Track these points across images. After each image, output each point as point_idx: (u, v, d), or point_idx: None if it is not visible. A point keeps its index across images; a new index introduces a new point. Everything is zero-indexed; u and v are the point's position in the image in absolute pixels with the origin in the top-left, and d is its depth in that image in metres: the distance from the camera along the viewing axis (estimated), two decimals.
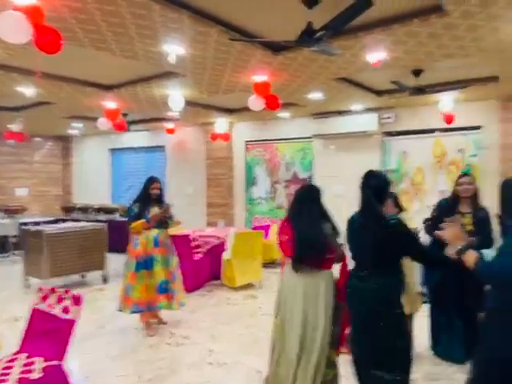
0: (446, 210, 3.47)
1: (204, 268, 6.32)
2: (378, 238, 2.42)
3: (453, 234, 2.04)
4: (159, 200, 4.30)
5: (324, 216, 2.83)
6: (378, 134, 7.54)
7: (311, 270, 2.76)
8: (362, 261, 2.55)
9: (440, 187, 7.03)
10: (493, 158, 6.57)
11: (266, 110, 7.34)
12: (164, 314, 4.60)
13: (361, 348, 2.52)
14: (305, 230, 2.77)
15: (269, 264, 7.50)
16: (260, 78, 4.99)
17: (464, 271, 2.37)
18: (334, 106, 7.23)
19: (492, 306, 1.87)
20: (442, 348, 3.51)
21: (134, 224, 4.18)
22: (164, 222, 4.29)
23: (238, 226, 8.59)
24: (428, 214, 3.80)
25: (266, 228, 8.09)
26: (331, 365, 2.77)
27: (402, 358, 2.45)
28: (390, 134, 7.58)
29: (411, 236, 2.47)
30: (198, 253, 6.48)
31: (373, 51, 4.14)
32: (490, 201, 6.52)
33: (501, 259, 1.76)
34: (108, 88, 5.83)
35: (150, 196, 4.25)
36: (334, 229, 2.84)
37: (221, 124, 8.35)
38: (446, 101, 6.25)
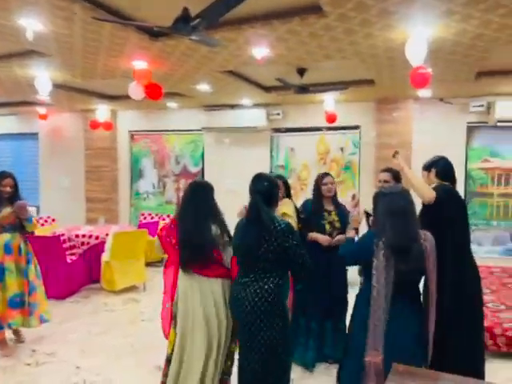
0: (314, 209, 3.53)
1: (79, 271, 5.72)
2: (264, 242, 2.33)
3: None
4: (13, 199, 3.66)
5: (214, 216, 2.66)
6: (267, 130, 7.59)
7: (200, 276, 2.63)
8: (248, 266, 2.44)
9: None
10: (369, 156, 7.03)
11: (151, 99, 6.95)
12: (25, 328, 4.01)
13: (247, 361, 2.39)
14: (188, 232, 2.60)
15: (156, 263, 7.12)
16: (139, 64, 4.59)
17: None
18: (223, 99, 7.07)
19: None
20: (298, 352, 3.43)
21: None
22: (18, 224, 3.68)
23: (122, 224, 8.02)
24: None
25: (154, 225, 7.68)
26: (230, 356, 2.74)
27: (284, 373, 2.40)
28: (278, 130, 7.68)
29: (297, 242, 2.38)
30: (72, 254, 5.86)
31: (257, 46, 4.03)
32: (366, 196, 7.06)
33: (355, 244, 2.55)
34: None
35: (1, 194, 3.60)
36: (223, 230, 2.69)
37: (102, 111, 7.66)
38: (329, 100, 6.48)
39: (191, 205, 2.67)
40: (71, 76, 5.42)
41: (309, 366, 3.45)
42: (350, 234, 2.67)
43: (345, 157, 7.29)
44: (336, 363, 3.49)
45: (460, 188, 6.98)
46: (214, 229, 2.63)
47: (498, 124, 6.43)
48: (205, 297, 2.64)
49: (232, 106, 7.51)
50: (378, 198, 2.36)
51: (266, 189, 2.44)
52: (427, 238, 2.24)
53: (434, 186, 2.77)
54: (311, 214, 3.54)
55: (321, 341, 3.48)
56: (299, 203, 3.83)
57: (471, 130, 6.76)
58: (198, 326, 2.62)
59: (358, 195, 7.01)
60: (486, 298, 4.60)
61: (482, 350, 2.79)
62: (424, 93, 6.32)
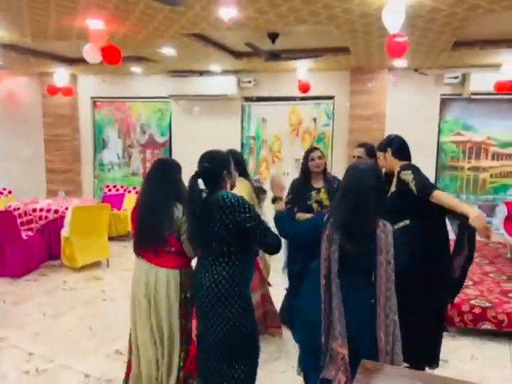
0: (300, 188, 3.33)
1: (37, 247, 5.41)
2: (215, 221, 2.13)
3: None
4: None
5: (178, 197, 2.43)
6: (238, 99, 7.26)
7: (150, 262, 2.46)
8: (205, 248, 2.25)
9: (295, 155, 7.15)
10: (343, 127, 6.85)
11: (108, 64, 6.47)
12: None
13: (206, 342, 2.23)
14: (144, 214, 2.45)
15: (122, 237, 6.86)
16: (95, 23, 4.15)
17: None
18: (191, 65, 6.66)
19: None
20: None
21: None
22: None
23: (85, 197, 7.65)
24: (285, 182, 3.59)
25: (119, 197, 7.36)
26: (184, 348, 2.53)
27: (249, 350, 2.24)
28: (250, 99, 7.36)
29: (255, 218, 2.14)
30: (29, 230, 5.52)
31: (224, 6, 3.68)
32: (340, 168, 6.94)
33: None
34: None
35: None
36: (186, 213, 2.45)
37: (60, 76, 7.09)
38: (302, 69, 6.20)
39: (151, 184, 2.49)
40: (20, 36, 4.91)
41: None
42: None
43: (318, 128, 7.09)
44: None
45: (432, 161, 7.05)
46: (177, 211, 2.42)
47: (472, 97, 6.34)
48: (150, 288, 2.43)
49: (201, 73, 7.11)
50: (347, 172, 2.14)
51: (206, 171, 2.23)
52: (386, 230, 1.99)
53: (403, 166, 2.58)
54: (297, 194, 3.34)
55: None
56: (269, 177, 3.61)
57: (445, 102, 6.65)
58: (142, 318, 2.47)
59: (331, 169, 6.88)
60: None
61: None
62: (399, 63, 6.12)
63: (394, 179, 2.61)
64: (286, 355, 3.30)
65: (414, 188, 2.42)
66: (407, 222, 2.47)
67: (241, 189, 3.10)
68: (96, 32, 4.18)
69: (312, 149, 3.38)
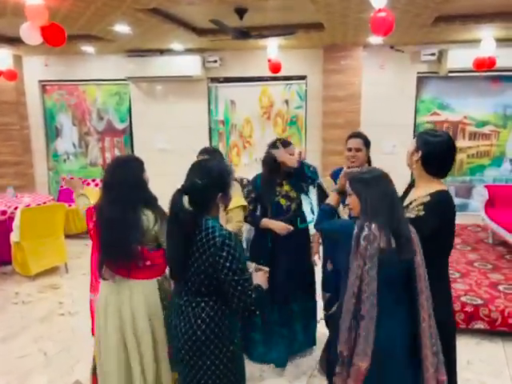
0: (267, 185, 2.95)
1: None
2: (192, 254, 1.69)
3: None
4: None
5: (145, 202, 2.11)
6: (203, 80, 6.71)
7: (122, 279, 2.13)
8: (179, 282, 1.82)
9: (267, 140, 6.70)
10: (316, 109, 6.46)
11: (66, 42, 5.77)
12: None
13: None
14: (105, 233, 2.09)
15: (81, 235, 6.30)
16: None
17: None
18: (149, 44, 6.03)
19: None
20: (259, 352, 3.04)
21: None
22: None
23: (39, 192, 6.97)
24: (257, 169, 3.21)
25: None
26: None
27: None
28: (216, 80, 6.82)
29: (239, 263, 1.67)
30: None
31: None
32: (313, 152, 6.59)
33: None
34: None
35: None
36: (158, 219, 2.10)
37: (2, 57, 6.28)
38: (272, 47, 5.71)
39: (111, 192, 2.10)
40: None
41: (280, 366, 3.03)
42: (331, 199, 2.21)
43: (290, 110, 6.67)
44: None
45: (408, 143, 6.81)
46: (146, 220, 2.07)
47: (449, 74, 6.08)
48: (125, 314, 2.11)
49: (161, 51, 6.49)
50: (359, 187, 1.83)
51: (195, 188, 1.71)
52: (413, 230, 1.80)
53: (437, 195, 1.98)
54: (261, 191, 2.97)
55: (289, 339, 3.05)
56: (242, 163, 3.22)
57: (421, 80, 6.37)
58: (112, 353, 2.11)
59: (305, 154, 6.54)
60: None
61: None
62: (375, 39, 5.74)
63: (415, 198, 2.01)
64: None
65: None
66: None
67: (239, 199, 2.79)
68: (33, 8, 3.53)
69: (285, 143, 2.99)
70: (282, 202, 2.94)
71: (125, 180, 2.09)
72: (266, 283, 1.83)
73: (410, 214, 1.90)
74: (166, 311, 2.11)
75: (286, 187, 2.96)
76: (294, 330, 3.05)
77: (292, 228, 2.85)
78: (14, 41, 5.94)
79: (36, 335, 3.55)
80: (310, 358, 3.13)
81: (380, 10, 3.18)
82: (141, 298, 2.12)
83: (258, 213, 2.98)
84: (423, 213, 1.88)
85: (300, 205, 3.05)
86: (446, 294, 2.04)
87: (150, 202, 2.16)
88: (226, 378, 1.75)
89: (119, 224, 2.02)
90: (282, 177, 2.95)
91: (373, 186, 1.79)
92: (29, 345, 3.40)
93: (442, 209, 1.93)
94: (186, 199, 1.71)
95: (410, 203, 1.98)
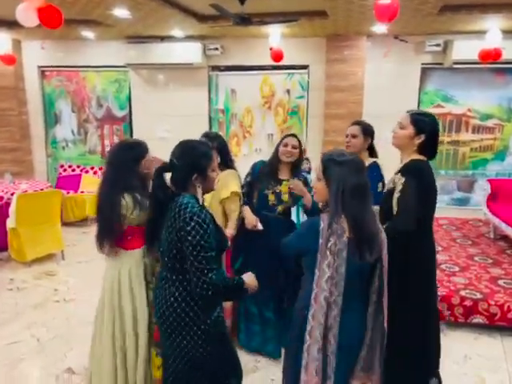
0: (264, 173, 2.87)
1: None
2: (170, 232, 1.71)
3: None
4: None
5: (126, 187, 2.14)
6: (204, 68, 6.62)
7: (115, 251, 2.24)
8: (162, 259, 1.82)
9: (268, 130, 6.65)
10: (318, 100, 6.38)
11: (65, 27, 5.68)
12: None
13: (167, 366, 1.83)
14: (99, 203, 2.20)
15: (79, 223, 6.27)
16: None
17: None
18: (150, 30, 5.94)
19: None
20: (256, 341, 2.99)
21: None
22: None
23: (37, 179, 6.92)
24: (256, 160, 3.10)
25: (76, 178, 6.70)
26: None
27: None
28: (217, 68, 6.73)
29: (202, 241, 1.63)
30: None
31: None
32: (314, 144, 6.51)
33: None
34: None
35: None
36: (137, 205, 2.13)
37: (0, 41, 6.21)
38: (274, 35, 5.62)
39: (106, 170, 2.25)
40: None
41: (275, 357, 2.97)
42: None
43: (291, 100, 6.58)
44: None
45: None
46: (125, 205, 2.13)
47: (454, 66, 5.98)
48: (114, 289, 2.24)
49: (162, 38, 6.39)
50: (328, 166, 1.68)
51: (172, 167, 1.78)
52: (380, 227, 1.73)
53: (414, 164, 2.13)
54: (257, 178, 2.88)
55: (281, 329, 2.98)
56: (242, 153, 3.14)
57: (425, 71, 6.27)
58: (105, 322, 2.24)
59: (306, 144, 6.47)
60: (438, 257, 4.35)
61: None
62: (379, 28, 5.64)
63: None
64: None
65: (394, 199, 2.00)
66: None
67: (234, 185, 2.74)
68: None
69: (289, 135, 2.88)
70: (271, 197, 2.81)
71: (110, 163, 2.20)
72: (253, 283, 1.78)
73: (398, 188, 1.99)
74: (147, 289, 2.20)
75: (284, 188, 2.82)
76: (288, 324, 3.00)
77: (260, 229, 2.73)
78: (13, 25, 5.84)
79: (30, 321, 3.51)
80: None
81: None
82: (126, 268, 2.20)
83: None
84: (404, 179, 1.98)
85: (288, 212, 2.90)
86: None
87: (132, 187, 2.15)
88: (206, 360, 1.73)
89: (104, 203, 2.15)
90: (288, 175, 2.83)
91: (348, 175, 1.63)
92: (22, 331, 3.36)
93: (418, 170, 2.02)
94: (168, 176, 1.78)
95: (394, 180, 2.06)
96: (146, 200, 2.08)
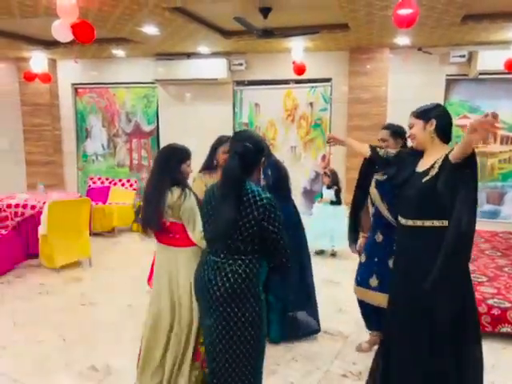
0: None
1: (12, 246, 4.97)
2: (241, 218, 1.85)
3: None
4: None
5: (173, 183, 2.31)
6: (229, 83, 6.80)
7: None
8: (218, 243, 1.94)
9: (291, 143, 6.72)
10: (341, 112, 6.41)
11: (97, 46, 6.00)
12: None
13: (210, 339, 1.98)
14: (143, 202, 2.40)
15: (107, 233, 6.45)
16: None
17: None
18: (178, 47, 6.17)
19: None
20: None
21: None
22: None
23: (67, 190, 7.20)
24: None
25: (104, 190, 6.92)
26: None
27: (256, 356, 1.99)
28: (241, 83, 6.90)
29: (280, 228, 1.89)
30: (3, 227, 5.08)
31: None
32: (338, 155, 6.52)
33: None
34: None
35: None
36: (183, 195, 2.31)
37: (37, 61, 6.59)
38: (297, 49, 5.74)
39: (152, 169, 2.43)
40: None
41: (276, 341, 3.11)
42: None
43: (314, 113, 6.64)
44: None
45: None
46: (170, 196, 2.28)
47: (480, 76, 5.91)
48: (172, 265, 2.40)
49: (188, 55, 6.63)
50: None
51: (246, 151, 1.90)
52: None
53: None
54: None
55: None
56: None
57: (450, 83, 6.22)
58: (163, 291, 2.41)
59: (329, 155, 6.47)
60: None
61: None
62: (402, 40, 5.67)
63: (433, 162, 2.06)
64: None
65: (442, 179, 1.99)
66: (445, 222, 2.00)
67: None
68: (64, 6, 3.70)
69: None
70: None
71: (156, 164, 2.38)
72: None
73: (427, 177, 2.03)
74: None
75: None
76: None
77: None
78: (50, 44, 6.22)
79: (56, 323, 3.63)
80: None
81: (403, 5, 3.14)
82: (182, 261, 2.35)
83: None
84: (437, 171, 2.00)
85: None
86: None
87: (179, 182, 2.32)
88: (252, 328, 1.90)
89: (149, 200, 2.31)
90: None
91: None
92: (49, 331, 3.47)
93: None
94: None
95: (432, 166, 2.05)
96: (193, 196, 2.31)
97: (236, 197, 1.84)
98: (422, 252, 2.05)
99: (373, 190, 2.83)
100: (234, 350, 1.91)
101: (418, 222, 2.07)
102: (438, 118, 2.10)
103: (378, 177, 2.82)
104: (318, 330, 3.33)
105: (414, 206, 2.10)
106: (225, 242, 1.89)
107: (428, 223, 2.04)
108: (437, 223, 2.03)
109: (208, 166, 2.92)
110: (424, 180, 2.05)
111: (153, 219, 2.29)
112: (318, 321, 3.33)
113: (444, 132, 2.12)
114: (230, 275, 1.88)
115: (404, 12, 3.20)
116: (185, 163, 2.38)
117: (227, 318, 1.89)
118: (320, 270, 4.80)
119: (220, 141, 2.95)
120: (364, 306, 2.98)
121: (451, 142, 2.15)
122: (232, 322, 1.89)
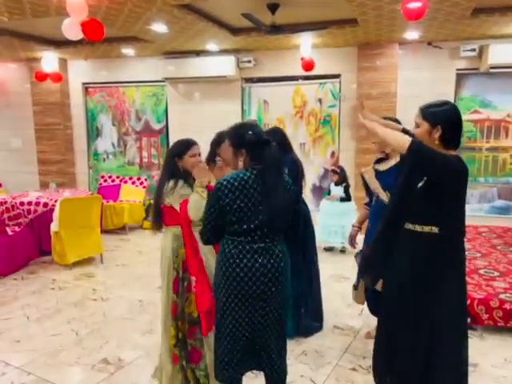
0: None
1: (25, 243, 5.05)
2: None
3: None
4: None
5: (172, 175, 2.41)
6: (237, 80, 6.81)
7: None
8: (263, 231, 1.94)
9: (300, 139, 6.71)
10: (350, 108, 6.37)
11: (107, 45, 6.05)
12: None
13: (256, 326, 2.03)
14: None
15: (118, 230, 6.52)
16: None
17: None
18: (186, 45, 6.20)
19: None
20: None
21: None
22: None
23: (79, 188, 7.28)
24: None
25: (115, 188, 6.99)
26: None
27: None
28: (250, 80, 6.91)
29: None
30: (16, 225, 5.16)
31: None
32: (346, 152, 6.50)
33: None
34: None
35: None
36: (172, 187, 2.40)
37: (48, 60, 6.67)
38: (305, 45, 5.72)
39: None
40: None
41: (291, 335, 3.07)
42: None
43: (323, 109, 6.63)
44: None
45: None
46: (166, 186, 2.38)
47: (491, 70, 5.84)
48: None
49: (197, 53, 6.65)
50: None
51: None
52: None
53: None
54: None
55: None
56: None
57: (461, 77, 6.15)
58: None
59: (338, 152, 6.45)
60: (477, 263, 4.22)
61: None
62: (411, 35, 5.62)
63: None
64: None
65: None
66: (435, 228, 1.97)
67: None
68: (74, 3, 3.75)
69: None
70: None
71: (166, 155, 2.57)
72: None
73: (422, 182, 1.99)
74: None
75: None
76: None
77: None
78: (61, 44, 6.29)
79: (69, 317, 3.68)
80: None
81: None
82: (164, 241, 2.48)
83: None
84: None
85: None
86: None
87: (174, 175, 2.39)
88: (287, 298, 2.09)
89: (157, 187, 2.47)
90: None
91: None
92: (62, 325, 3.53)
93: (456, 162, 1.94)
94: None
95: None
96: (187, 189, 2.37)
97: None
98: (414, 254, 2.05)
99: (372, 180, 2.81)
100: (279, 325, 2.05)
101: (410, 226, 2.04)
102: (445, 125, 1.94)
103: (379, 167, 2.82)
104: (320, 327, 3.32)
105: (412, 210, 2.06)
106: (279, 226, 2.00)
107: (418, 228, 2.01)
108: (426, 229, 1.99)
109: (208, 163, 2.89)
110: (419, 185, 2.00)
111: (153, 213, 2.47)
112: (321, 317, 3.34)
113: (449, 140, 1.97)
114: (275, 257, 1.98)
115: (413, 5, 3.19)
116: (185, 155, 2.40)
117: (278, 298, 2.00)
118: (329, 266, 4.81)
119: (220, 137, 2.93)
120: (371, 292, 2.96)
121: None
122: (279, 298, 2.01)
